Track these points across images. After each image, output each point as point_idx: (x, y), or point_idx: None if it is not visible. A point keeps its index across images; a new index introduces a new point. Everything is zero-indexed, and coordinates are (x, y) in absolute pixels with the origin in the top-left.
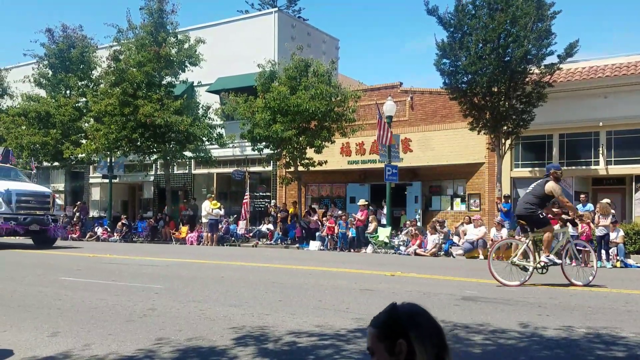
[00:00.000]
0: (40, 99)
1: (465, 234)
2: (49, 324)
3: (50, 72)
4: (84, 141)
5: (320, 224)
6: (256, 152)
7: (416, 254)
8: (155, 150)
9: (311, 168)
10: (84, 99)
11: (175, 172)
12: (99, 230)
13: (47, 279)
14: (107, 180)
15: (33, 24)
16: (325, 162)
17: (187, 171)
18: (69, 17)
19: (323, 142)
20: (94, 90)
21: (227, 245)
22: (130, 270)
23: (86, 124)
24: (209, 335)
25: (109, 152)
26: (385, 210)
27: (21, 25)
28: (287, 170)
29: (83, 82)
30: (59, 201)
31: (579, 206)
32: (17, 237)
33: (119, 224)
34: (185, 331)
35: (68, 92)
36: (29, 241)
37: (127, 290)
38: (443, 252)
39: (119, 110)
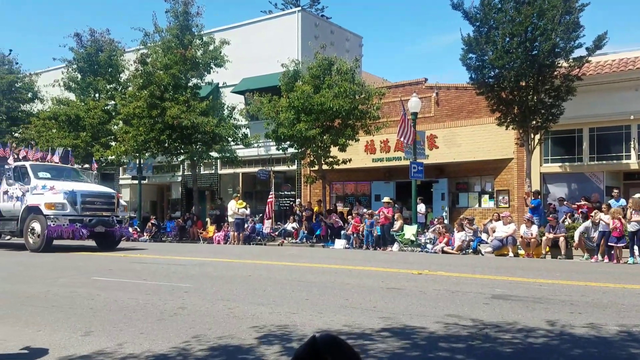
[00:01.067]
0: (70, 103)
1: (494, 231)
2: (82, 324)
3: (79, 76)
4: (113, 143)
5: (344, 222)
6: (281, 152)
7: (443, 251)
8: (182, 151)
9: (335, 166)
10: (112, 102)
11: (201, 172)
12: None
13: (79, 279)
14: (136, 182)
15: (62, 29)
16: (350, 160)
17: (213, 171)
18: (97, 22)
19: (347, 141)
20: (122, 93)
21: (253, 244)
22: (160, 269)
23: (115, 127)
24: (237, 334)
25: (137, 154)
26: (421, 209)
27: (50, 31)
28: (311, 169)
29: (111, 86)
30: (123, 202)
31: (612, 201)
32: (82, 240)
33: (149, 224)
34: (215, 330)
35: (97, 95)
36: (89, 243)
37: (158, 290)
38: (471, 250)
39: (146, 112)
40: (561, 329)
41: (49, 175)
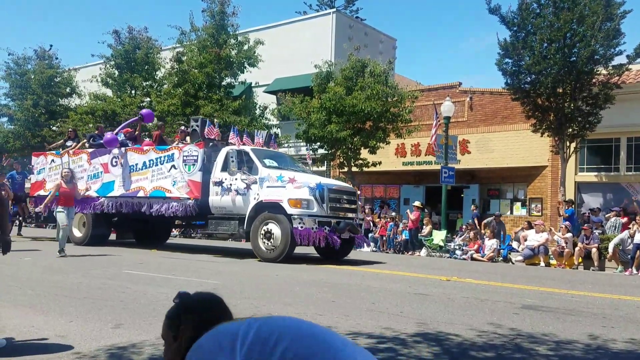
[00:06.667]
0: (106, 98)
1: (525, 240)
2: (112, 316)
3: (117, 72)
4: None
5: (373, 225)
6: (311, 152)
7: (472, 258)
8: None
9: (365, 169)
10: (148, 99)
11: None
12: None
13: (111, 271)
14: None
15: (101, 26)
16: (380, 163)
17: None
18: (135, 19)
19: (378, 143)
20: (157, 90)
21: None
22: (188, 265)
23: (150, 123)
24: None
25: None
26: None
27: (89, 27)
28: (340, 170)
29: (147, 83)
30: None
31: None
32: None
33: None
34: None
35: (133, 91)
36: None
37: (187, 285)
38: (501, 258)
39: (181, 110)
40: (596, 343)
41: (275, 164)
